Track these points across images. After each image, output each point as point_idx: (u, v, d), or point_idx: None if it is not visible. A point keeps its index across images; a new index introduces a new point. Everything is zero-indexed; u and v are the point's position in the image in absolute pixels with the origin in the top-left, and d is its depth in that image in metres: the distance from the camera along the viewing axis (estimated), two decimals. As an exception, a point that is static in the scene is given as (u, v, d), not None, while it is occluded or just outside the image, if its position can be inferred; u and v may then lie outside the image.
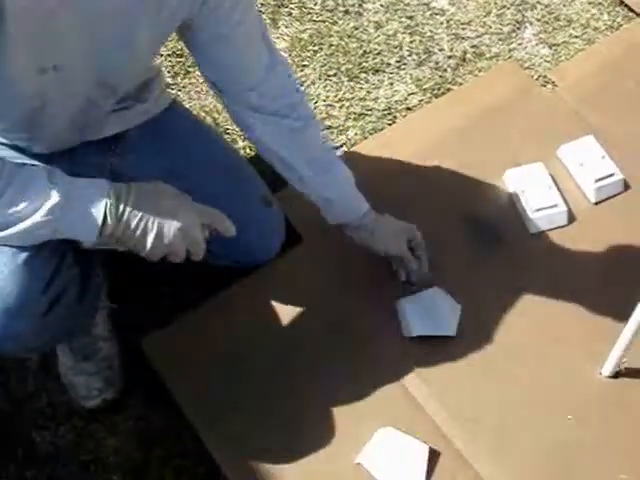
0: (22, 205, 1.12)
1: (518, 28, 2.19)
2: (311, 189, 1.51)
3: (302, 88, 1.48)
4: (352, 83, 2.06)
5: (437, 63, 2.11)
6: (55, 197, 1.14)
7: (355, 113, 2.00)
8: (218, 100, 1.50)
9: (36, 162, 1.30)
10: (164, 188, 1.26)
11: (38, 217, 1.13)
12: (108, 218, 1.17)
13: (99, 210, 1.17)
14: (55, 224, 1.16)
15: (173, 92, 2.02)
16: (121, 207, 1.18)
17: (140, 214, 1.20)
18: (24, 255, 1.19)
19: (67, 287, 1.29)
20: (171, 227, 1.22)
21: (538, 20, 2.20)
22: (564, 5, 2.23)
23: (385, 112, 2.00)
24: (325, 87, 2.04)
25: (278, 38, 2.13)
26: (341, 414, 1.51)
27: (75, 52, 1.14)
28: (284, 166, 1.49)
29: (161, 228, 1.21)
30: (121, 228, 1.19)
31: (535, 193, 1.76)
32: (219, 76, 1.38)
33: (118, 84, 1.30)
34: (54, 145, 1.34)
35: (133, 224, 1.19)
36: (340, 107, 2.00)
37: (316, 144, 1.50)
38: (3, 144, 1.32)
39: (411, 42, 2.14)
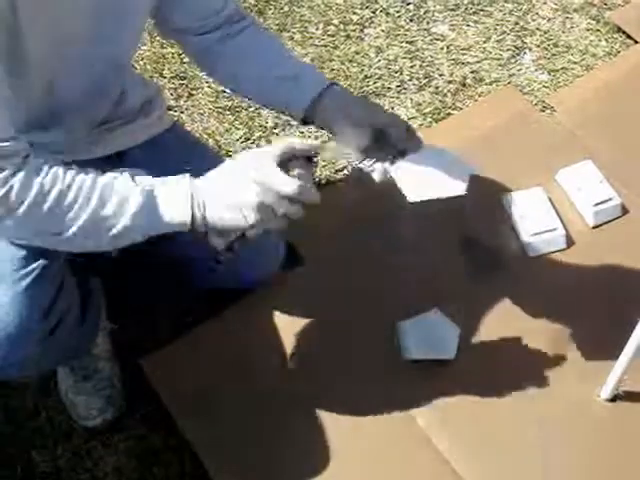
0: (110, 208, 1.13)
1: (517, 54, 2.21)
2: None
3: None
4: (353, 107, 2.07)
5: (437, 88, 2.13)
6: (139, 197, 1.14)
7: (356, 136, 2.01)
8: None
9: None
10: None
11: (129, 214, 1.14)
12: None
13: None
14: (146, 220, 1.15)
15: (176, 114, 2.04)
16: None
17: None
18: (24, 283, 1.20)
19: (68, 312, 1.29)
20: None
21: (537, 46, 2.23)
22: (563, 32, 2.26)
23: (385, 136, 2.01)
24: (326, 110, 2.06)
25: (280, 62, 2.15)
26: (342, 438, 1.51)
27: (78, 19, 1.16)
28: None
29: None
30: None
31: (534, 217, 1.77)
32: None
33: (118, 55, 1.32)
34: (69, 140, 1.34)
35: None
36: (341, 130, 2.02)
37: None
38: None
39: (411, 67, 2.16)
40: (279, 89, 1.39)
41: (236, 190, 1.17)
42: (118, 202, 1.13)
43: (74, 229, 1.12)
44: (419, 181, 1.30)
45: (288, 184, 1.16)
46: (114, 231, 1.14)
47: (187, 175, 1.18)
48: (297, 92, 1.37)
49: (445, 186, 1.30)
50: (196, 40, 1.42)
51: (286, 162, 1.19)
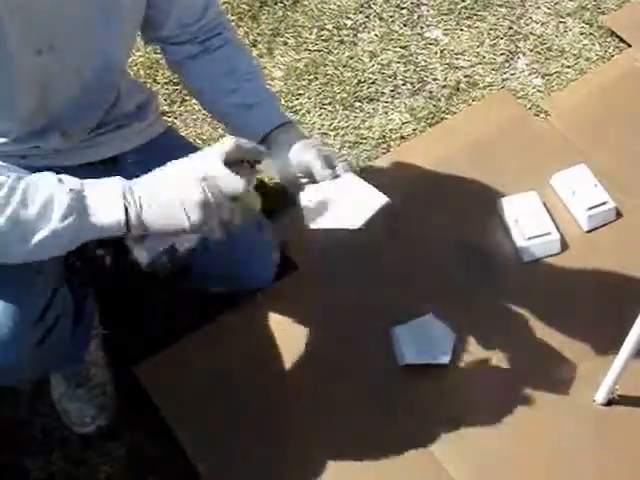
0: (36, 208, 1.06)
1: (511, 58, 2.21)
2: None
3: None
4: (347, 112, 2.07)
5: (431, 92, 2.13)
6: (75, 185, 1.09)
7: (350, 142, 2.01)
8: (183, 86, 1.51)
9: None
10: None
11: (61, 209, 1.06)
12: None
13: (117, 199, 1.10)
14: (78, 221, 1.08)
15: (170, 120, 2.03)
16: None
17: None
18: (18, 287, 1.19)
19: (60, 318, 1.29)
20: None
21: (531, 50, 2.23)
22: (556, 36, 2.26)
23: (380, 141, 2.01)
24: (320, 116, 2.06)
25: (274, 67, 2.15)
26: (339, 447, 1.51)
27: (64, 28, 1.16)
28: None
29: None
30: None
31: (528, 221, 1.77)
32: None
33: (109, 61, 1.32)
34: (63, 144, 1.34)
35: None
36: (335, 135, 2.02)
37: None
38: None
39: (405, 71, 2.16)
40: (232, 117, 1.42)
41: (180, 186, 1.12)
42: (42, 203, 1.05)
43: None
44: (322, 209, 1.28)
45: (235, 182, 1.13)
46: (39, 236, 1.06)
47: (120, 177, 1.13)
48: (249, 124, 1.38)
49: (344, 218, 1.27)
50: (171, 50, 1.43)
51: (231, 163, 1.16)
